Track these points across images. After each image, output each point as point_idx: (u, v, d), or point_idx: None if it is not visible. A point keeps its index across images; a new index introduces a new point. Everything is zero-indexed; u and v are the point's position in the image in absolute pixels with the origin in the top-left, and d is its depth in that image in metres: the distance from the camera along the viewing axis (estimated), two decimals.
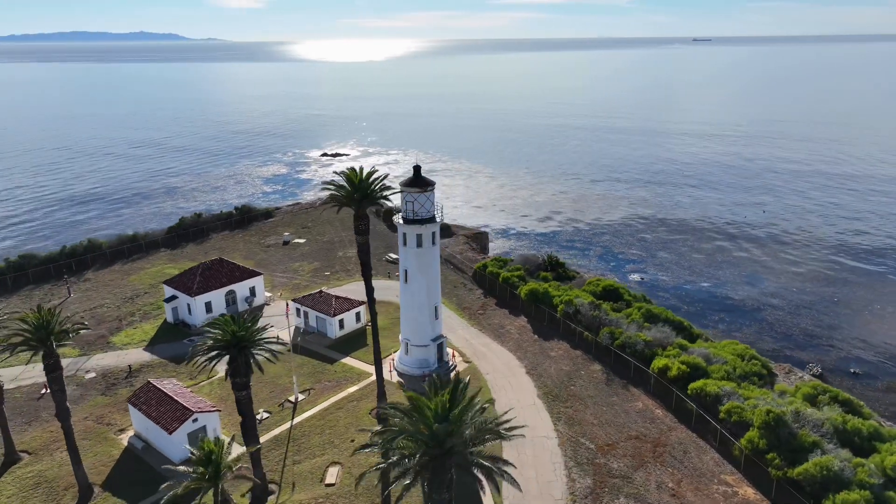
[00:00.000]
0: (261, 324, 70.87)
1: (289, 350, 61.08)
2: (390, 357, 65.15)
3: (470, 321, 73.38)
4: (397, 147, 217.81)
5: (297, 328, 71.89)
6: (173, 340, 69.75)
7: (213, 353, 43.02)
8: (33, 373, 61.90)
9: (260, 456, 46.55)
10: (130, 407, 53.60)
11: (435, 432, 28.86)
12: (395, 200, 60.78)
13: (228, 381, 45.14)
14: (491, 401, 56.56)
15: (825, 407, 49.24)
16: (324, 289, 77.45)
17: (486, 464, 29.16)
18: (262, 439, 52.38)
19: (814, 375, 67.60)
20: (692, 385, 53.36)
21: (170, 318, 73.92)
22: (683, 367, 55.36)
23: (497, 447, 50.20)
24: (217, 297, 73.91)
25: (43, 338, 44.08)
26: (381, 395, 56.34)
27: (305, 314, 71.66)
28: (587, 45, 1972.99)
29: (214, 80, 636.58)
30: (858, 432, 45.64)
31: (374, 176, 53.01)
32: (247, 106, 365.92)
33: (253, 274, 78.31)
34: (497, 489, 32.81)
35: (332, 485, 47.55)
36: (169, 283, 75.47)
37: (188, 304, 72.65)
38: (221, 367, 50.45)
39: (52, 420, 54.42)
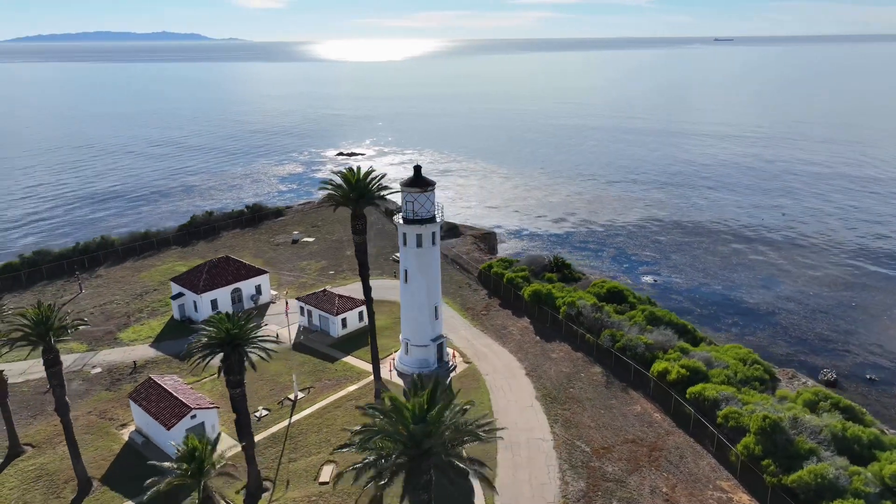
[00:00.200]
0: (265, 322, 72.07)
1: (289, 348, 61.56)
2: (391, 357, 65.27)
3: (473, 321, 73.26)
4: (413, 147, 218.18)
5: (300, 326, 72.41)
6: (179, 337, 70.56)
7: (207, 350, 43.50)
8: (42, 367, 62.94)
9: (254, 453, 46.94)
10: (131, 402, 54.37)
11: (412, 433, 28.85)
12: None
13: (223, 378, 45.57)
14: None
15: (825, 414, 48.30)
16: (328, 287, 77.84)
17: (461, 465, 29.06)
18: (260, 436, 52.88)
19: (828, 381, 66.46)
20: (691, 389, 52.71)
21: (177, 316, 74.86)
22: (683, 370, 54.69)
23: (492, 449, 50.11)
24: (223, 294, 74.67)
25: (42, 333, 44.90)
26: (378, 394, 56.48)
27: (309, 313, 72.10)
28: (605, 45, 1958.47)
29: (235, 79, 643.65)
30: (858, 440, 44.70)
31: (372, 175, 53.15)
32: (265, 105, 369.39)
33: (259, 272, 79.00)
34: (491, 487, 32.52)
35: (327, 483, 47.79)
36: (176, 280, 76.47)
37: (194, 302, 73.49)
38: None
39: (56, 414, 55.38)
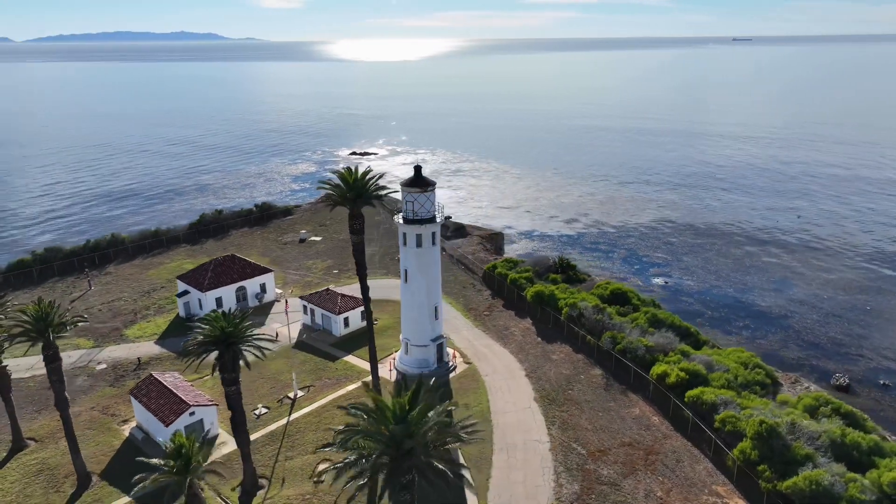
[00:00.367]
0: (267, 320, 72.46)
1: (291, 347, 61.87)
2: (391, 356, 65.38)
3: (475, 322, 73.16)
4: (426, 146, 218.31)
5: (303, 325, 72.79)
6: (184, 335, 70.96)
7: (202, 348, 43.86)
8: None
9: (250, 451, 47.25)
10: (132, 398, 55.03)
11: (392, 433, 28.87)
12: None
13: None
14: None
15: (825, 419, 47.51)
16: (331, 286, 78.17)
17: (440, 467, 29.01)
18: (259, 434, 53.23)
19: (840, 386, 65.39)
20: (689, 393, 52.12)
21: (182, 313, 75.64)
22: (682, 374, 54.11)
23: (487, 450, 50.05)
24: (227, 292, 75.31)
25: (42, 329, 45.59)
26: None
27: (312, 311, 72.47)
28: (624, 45, 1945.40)
29: (251, 79, 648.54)
30: (857, 446, 43.90)
31: (369, 175, 53.24)
32: (281, 105, 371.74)
33: (264, 271, 79.56)
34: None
35: (322, 481, 47.94)
36: (182, 278, 77.28)
37: (199, 300, 74.21)
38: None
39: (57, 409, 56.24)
